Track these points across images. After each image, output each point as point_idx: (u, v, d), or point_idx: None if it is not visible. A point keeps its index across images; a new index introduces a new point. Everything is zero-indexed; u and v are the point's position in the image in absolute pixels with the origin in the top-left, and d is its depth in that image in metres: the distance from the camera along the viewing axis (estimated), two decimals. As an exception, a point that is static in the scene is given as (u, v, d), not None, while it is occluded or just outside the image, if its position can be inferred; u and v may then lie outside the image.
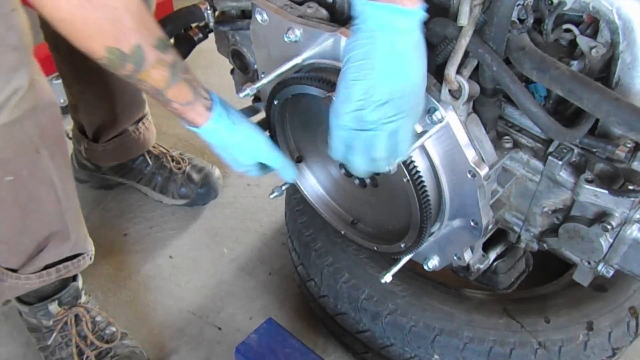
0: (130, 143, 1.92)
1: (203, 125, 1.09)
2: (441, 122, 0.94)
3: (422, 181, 1.01)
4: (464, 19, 0.87)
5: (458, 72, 0.90)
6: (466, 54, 0.90)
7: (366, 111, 0.90)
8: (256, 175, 1.25)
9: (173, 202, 1.99)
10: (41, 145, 1.29)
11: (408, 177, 1.01)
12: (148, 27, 0.97)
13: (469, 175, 0.98)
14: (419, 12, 0.86)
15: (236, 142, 1.14)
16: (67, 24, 0.90)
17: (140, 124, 1.91)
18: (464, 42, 0.87)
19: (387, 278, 1.16)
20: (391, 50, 0.87)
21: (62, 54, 1.73)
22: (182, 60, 1.04)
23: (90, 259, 1.56)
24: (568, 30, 0.95)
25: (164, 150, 2.01)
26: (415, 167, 1.00)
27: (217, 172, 2.01)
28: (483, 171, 0.97)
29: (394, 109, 0.89)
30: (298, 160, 1.30)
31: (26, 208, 1.35)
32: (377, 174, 1.14)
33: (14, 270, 1.44)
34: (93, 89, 1.78)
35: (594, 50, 0.91)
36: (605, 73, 0.93)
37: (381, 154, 0.94)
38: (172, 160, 1.99)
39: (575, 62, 0.94)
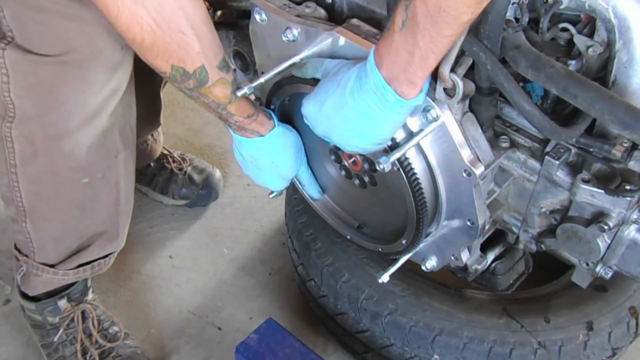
0: (137, 154, 1.91)
1: (267, 134, 1.14)
2: (436, 120, 0.94)
3: (418, 180, 1.01)
4: (459, 18, 0.87)
5: (452, 70, 0.89)
6: (461, 53, 0.89)
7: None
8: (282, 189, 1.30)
9: (173, 203, 1.99)
10: (121, 150, 1.33)
11: (404, 176, 1.01)
12: (213, 50, 1.01)
13: (464, 175, 0.98)
14: (411, 102, 0.89)
15: (287, 150, 1.20)
16: (137, 44, 0.95)
17: (149, 136, 1.91)
18: (458, 40, 0.87)
19: (385, 278, 1.16)
20: (368, 115, 0.92)
21: None
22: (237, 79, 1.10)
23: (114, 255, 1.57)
24: (565, 30, 0.95)
25: (165, 152, 2.01)
26: (410, 165, 1.00)
27: (218, 173, 2.00)
28: (478, 170, 0.97)
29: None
30: None
31: (86, 208, 1.36)
32: (375, 170, 1.14)
33: (51, 266, 1.44)
34: None
35: (590, 50, 0.90)
36: (602, 72, 0.92)
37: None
38: (173, 161, 1.99)
39: (573, 62, 0.93)
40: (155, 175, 1.98)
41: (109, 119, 1.25)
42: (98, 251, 1.47)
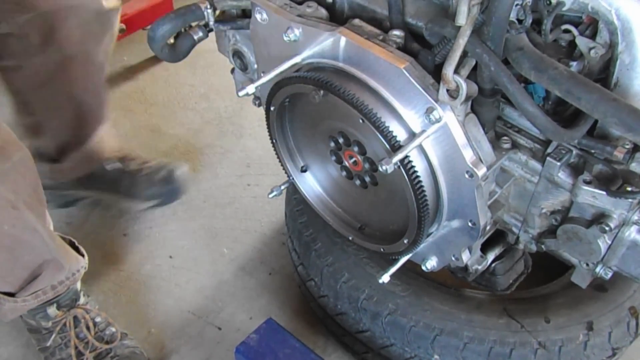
0: (94, 151, 1.89)
1: None
2: (439, 122, 0.94)
3: (419, 180, 1.01)
4: (462, 19, 0.87)
5: (456, 71, 0.89)
6: (464, 54, 0.90)
7: None
8: None
9: (144, 205, 1.96)
10: (17, 200, 1.29)
11: (405, 177, 1.01)
12: None
13: (466, 176, 0.98)
14: None
15: None
16: None
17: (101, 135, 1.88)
18: (462, 42, 0.87)
19: (385, 278, 1.16)
20: None
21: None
22: None
23: (85, 268, 1.56)
24: (567, 31, 0.95)
25: (121, 156, 1.97)
26: (412, 166, 1.00)
27: (181, 168, 1.97)
28: (481, 171, 0.97)
29: None
30: (303, 170, 1.30)
31: (14, 250, 1.36)
32: (375, 170, 1.14)
33: (12, 294, 1.44)
34: (59, 109, 1.77)
35: (593, 51, 0.90)
36: (604, 74, 0.92)
37: None
38: (132, 164, 1.95)
39: (574, 63, 0.93)
40: (116, 180, 1.93)
41: None
42: (49, 279, 1.46)
